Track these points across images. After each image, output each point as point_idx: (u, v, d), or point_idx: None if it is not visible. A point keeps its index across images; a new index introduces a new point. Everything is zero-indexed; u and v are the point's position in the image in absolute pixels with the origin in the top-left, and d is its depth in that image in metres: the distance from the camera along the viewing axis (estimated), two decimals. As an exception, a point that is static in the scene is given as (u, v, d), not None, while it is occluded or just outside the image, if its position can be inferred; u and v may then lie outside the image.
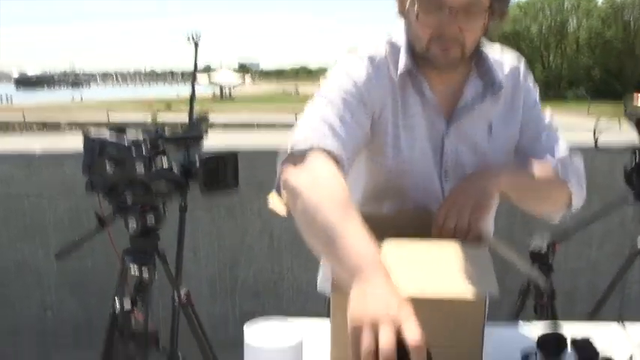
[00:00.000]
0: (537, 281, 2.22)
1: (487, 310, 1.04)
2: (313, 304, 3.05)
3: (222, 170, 1.98)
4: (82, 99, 60.97)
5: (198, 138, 2.02)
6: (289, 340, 0.83)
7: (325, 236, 1.06)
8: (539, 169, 1.41)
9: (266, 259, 3.12)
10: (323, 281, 1.52)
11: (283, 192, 1.25)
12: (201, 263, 3.11)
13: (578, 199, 1.48)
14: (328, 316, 1.28)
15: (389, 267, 0.99)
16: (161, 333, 2.51)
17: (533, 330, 1.37)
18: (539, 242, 2.23)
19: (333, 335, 1.10)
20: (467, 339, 1.05)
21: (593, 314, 2.34)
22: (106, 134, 1.95)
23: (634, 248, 2.30)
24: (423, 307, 0.93)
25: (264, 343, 0.82)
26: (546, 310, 2.31)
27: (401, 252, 1.17)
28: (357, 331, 0.88)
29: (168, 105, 38.86)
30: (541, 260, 2.22)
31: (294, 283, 3.13)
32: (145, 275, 2.18)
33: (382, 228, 1.14)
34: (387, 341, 0.84)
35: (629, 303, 2.54)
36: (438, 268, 1.11)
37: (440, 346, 0.91)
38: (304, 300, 3.11)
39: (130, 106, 42.71)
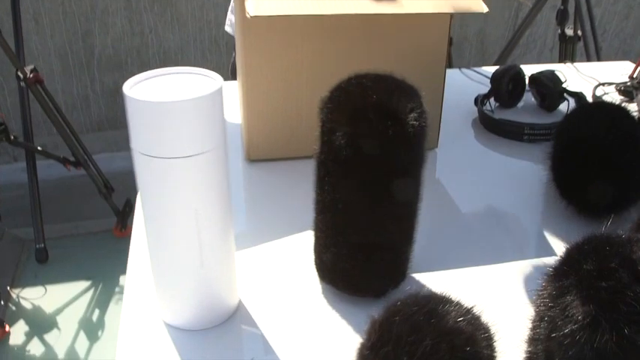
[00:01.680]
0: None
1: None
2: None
3: None
4: None
5: None
6: (205, 87, 0.51)
7: None
8: None
9: (124, 23, 2.65)
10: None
11: None
12: (46, 34, 2.60)
13: None
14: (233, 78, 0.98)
15: None
16: (11, 122, 2.12)
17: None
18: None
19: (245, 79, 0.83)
20: (432, 56, 0.88)
21: (499, 62, 2.17)
22: None
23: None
24: (390, 23, 0.81)
25: (164, 97, 0.49)
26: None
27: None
28: None
29: None
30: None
31: (160, 47, 2.71)
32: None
33: None
34: None
35: (546, 50, 2.39)
36: None
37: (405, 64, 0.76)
38: (174, 66, 2.73)
39: None
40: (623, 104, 1.07)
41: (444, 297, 0.50)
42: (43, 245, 2.23)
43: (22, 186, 2.22)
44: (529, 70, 1.11)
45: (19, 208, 2.25)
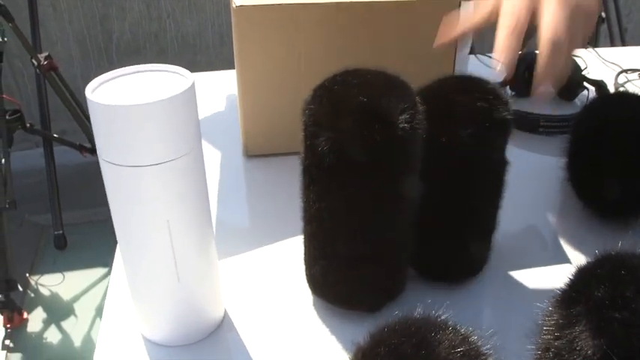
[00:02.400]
0: None
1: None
2: (204, 56, 2.61)
3: None
4: None
5: None
6: (173, 87, 0.46)
7: None
8: None
9: (142, 8, 2.61)
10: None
11: None
12: (64, 19, 2.57)
13: None
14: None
15: None
16: (32, 108, 2.09)
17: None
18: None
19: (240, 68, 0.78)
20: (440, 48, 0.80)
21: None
22: None
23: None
24: (393, 11, 0.76)
25: (130, 99, 0.44)
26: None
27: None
28: None
29: None
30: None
31: (177, 32, 2.67)
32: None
33: None
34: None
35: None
36: None
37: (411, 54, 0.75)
38: (192, 52, 2.69)
39: None
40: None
41: (438, 321, 0.44)
42: (61, 232, 2.21)
43: (42, 172, 2.21)
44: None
45: (39, 194, 2.24)
